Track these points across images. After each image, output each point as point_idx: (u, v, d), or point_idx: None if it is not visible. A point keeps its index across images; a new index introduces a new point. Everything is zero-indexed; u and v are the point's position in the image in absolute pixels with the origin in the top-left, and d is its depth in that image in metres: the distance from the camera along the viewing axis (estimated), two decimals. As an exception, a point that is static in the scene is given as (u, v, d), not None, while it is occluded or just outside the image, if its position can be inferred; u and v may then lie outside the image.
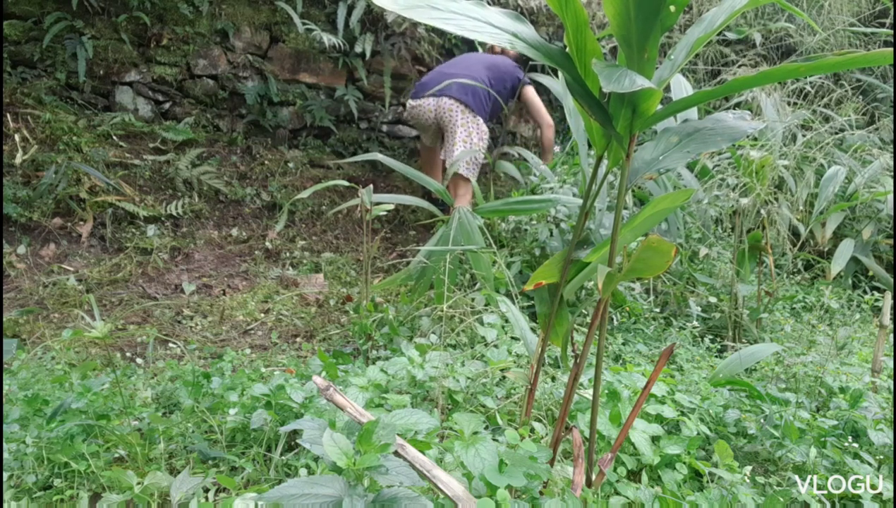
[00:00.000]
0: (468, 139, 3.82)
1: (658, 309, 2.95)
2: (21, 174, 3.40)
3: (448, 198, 3.09)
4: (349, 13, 4.24)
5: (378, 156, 3.12)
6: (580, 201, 2.81)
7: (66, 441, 1.56)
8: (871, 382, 2.12)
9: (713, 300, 3.03)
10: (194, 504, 1.29)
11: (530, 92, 4.26)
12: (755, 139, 3.51)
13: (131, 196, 3.61)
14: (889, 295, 2.24)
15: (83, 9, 3.71)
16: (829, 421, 1.80)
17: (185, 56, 4.01)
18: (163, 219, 3.68)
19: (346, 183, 3.19)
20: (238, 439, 1.73)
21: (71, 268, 3.27)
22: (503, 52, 4.39)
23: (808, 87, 4.47)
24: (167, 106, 4.05)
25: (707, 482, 1.59)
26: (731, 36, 5.01)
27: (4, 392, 1.89)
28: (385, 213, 3.22)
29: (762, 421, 1.78)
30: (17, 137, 3.45)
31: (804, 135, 3.93)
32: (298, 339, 2.94)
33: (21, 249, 3.24)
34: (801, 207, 3.69)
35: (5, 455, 1.53)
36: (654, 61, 1.20)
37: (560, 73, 1.25)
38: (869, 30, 5.00)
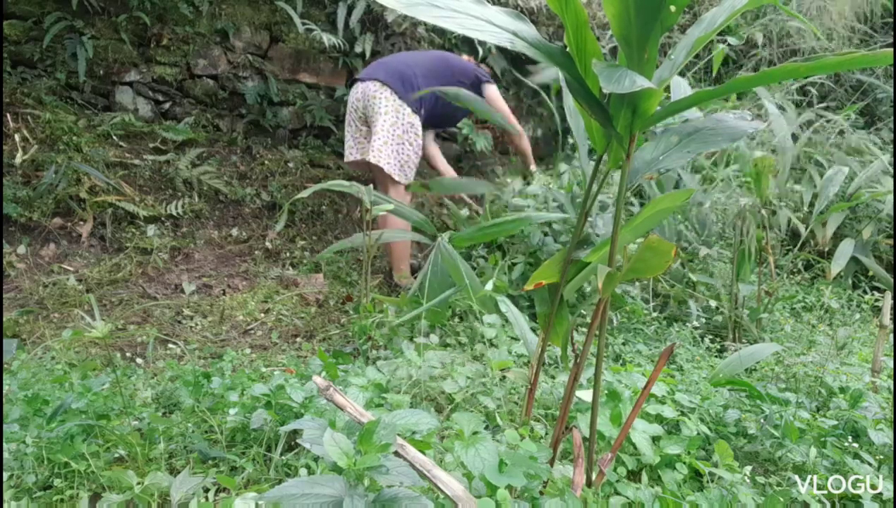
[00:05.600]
0: (392, 130, 3.31)
1: (658, 311, 2.95)
2: (21, 174, 3.40)
3: (430, 228, 2.97)
4: (349, 13, 4.24)
5: None
6: (549, 216, 2.79)
7: (66, 442, 1.56)
8: (871, 382, 2.12)
9: (712, 302, 3.03)
10: (194, 504, 1.29)
11: (492, 91, 3.69)
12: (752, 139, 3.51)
13: (131, 196, 3.61)
14: (889, 295, 2.24)
15: (83, 9, 3.71)
16: (829, 421, 1.80)
17: (185, 56, 4.01)
18: (163, 219, 3.68)
19: (346, 183, 3.19)
20: (238, 439, 1.73)
21: (71, 268, 3.27)
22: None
23: (809, 88, 4.46)
24: (167, 106, 4.05)
25: (707, 482, 1.59)
26: (732, 41, 5.00)
27: (4, 392, 1.89)
28: (385, 213, 3.22)
29: (762, 420, 1.78)
30: (17, 137, 3.45)
31: (810, 139, 3.93)
32: (298, 339, 2.94)
33: (21, 249, 3.24)
34: (802, 207, 3.69)
35: (5, 455, 1.53)
36: (654, 61, 1.21)
37: (560, 73, 1.25)
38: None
